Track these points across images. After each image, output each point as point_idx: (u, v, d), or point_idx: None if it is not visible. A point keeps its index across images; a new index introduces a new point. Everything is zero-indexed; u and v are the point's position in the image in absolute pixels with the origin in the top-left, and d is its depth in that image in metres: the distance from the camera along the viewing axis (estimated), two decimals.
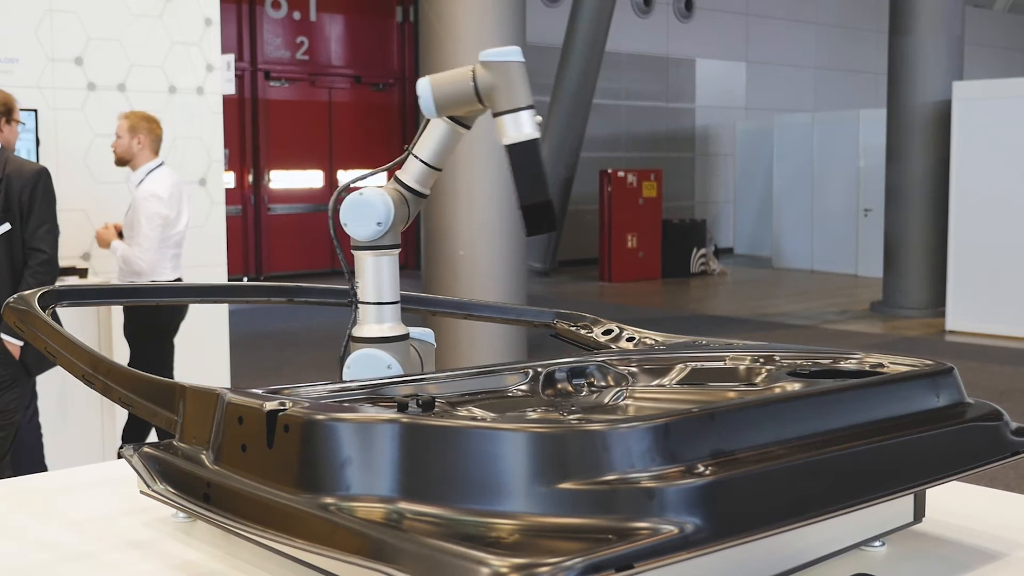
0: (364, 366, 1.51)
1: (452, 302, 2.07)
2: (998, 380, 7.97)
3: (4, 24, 5.34)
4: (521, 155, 1.42)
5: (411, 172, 1.57)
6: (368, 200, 1.50)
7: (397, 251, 1.54)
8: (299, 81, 15.35)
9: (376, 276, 1.53)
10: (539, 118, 1.44)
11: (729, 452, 1.01)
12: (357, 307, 1.54)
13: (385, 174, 1.64)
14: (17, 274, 4.00)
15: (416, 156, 1.56)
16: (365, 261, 1.53)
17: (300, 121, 15.34)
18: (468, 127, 1.54)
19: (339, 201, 1.52)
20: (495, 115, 1.45)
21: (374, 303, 1.53)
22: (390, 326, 1.54)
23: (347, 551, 0.94)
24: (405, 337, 1.55)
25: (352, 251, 1.54)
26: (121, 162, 4.96)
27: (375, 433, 1.01)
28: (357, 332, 1.54)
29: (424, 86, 1.47)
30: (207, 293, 1.99)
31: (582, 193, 16.05)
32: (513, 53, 1.44)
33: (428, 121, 1.54)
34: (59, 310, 1.60)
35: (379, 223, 1.49)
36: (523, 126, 1.42)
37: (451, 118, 1.52)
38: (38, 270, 4.00)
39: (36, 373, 4.21)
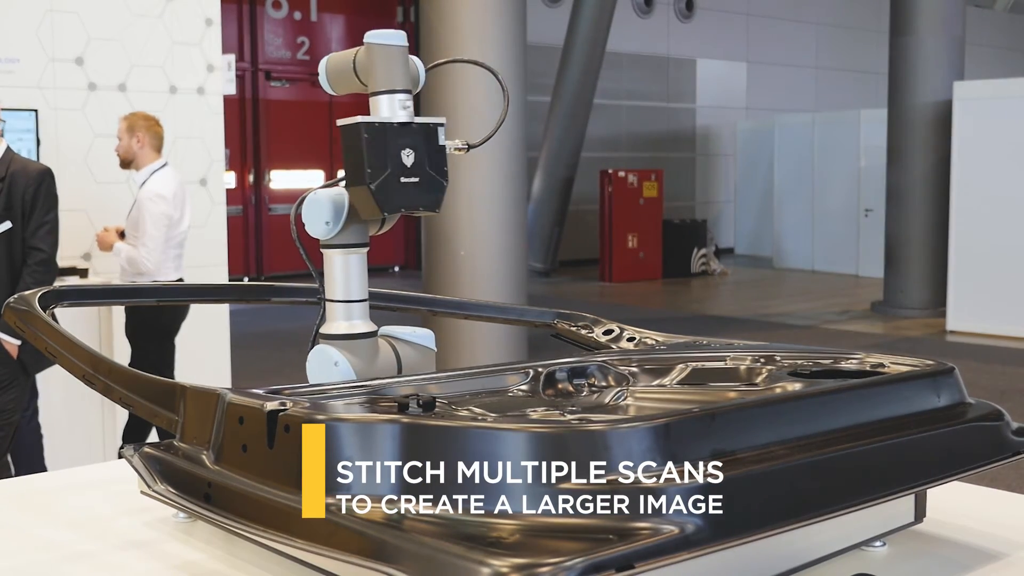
0: (316, 363, 1.52)
1: (452, 302, 2.07)
2: (999, 380, 7.96)
3: (5, 24, 5.34)
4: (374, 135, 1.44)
5: None
6: (318, 199, 1.50)
7: (365, 249, 1.54)
8: (300, 81, 15.34)
9: (344, 274, 1.53)
10: (409, 104, 1.46)
11: (730, 452, 1.01)
12: (325, 305, 1.54)
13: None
14: (16, 272, 4.02)
15: None
16: (333, 259, 1.53)
17: (301, 121, 15.33)
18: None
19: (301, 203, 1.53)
20: (371, 95, 1.47)
21: (342, 300, 1.53)
22: (356, 323, 1.54)
23: (348, 551, 0.93)
24: (372, 335, 1.55)
25: (321, 249, 1.54)
26: (125, 164, 4.96)
27: (376, 433, 1.01)
28: (325, 330, 1.54)
29: (322, 64, 1.55)
30: (206, 293, 1.99)
31: (583, 193, 16.05)
32: (396, 37, 1.48)
33: None
34: (60, 310, 1.59)
35: (327, 222, 1.49)
36: (387, 107, 1.46)
37: None
38: (36, 269, 4.01)
39: (34, 372, 4.22)
